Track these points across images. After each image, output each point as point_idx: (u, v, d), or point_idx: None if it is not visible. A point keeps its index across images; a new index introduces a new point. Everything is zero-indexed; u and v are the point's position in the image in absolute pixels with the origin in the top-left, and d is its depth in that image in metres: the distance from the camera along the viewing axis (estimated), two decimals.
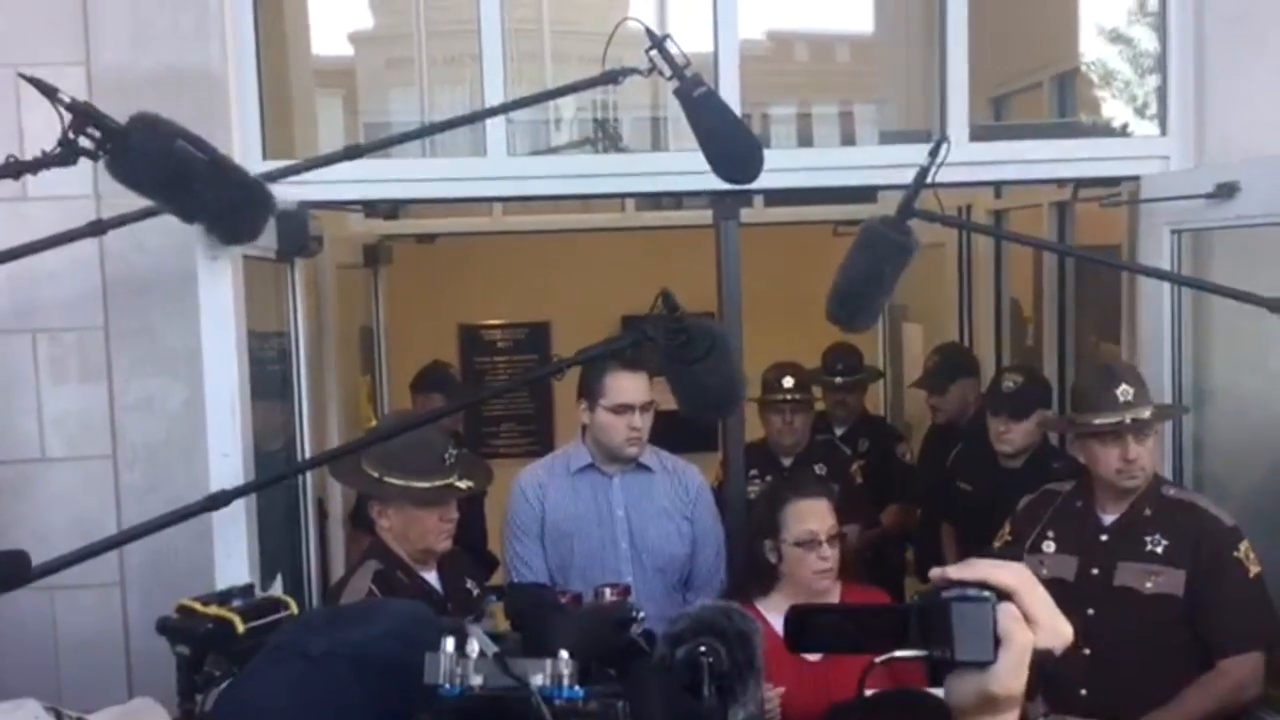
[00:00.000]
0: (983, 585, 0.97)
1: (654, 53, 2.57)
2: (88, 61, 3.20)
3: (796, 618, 1.03)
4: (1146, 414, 3.01)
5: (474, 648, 1.04)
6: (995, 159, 3.59)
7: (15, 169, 2.31)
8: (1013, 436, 4.03)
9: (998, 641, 0.95)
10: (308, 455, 3.44)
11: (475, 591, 3.12)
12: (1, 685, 3.02)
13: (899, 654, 0.99)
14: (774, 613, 2.98)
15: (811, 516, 3.00)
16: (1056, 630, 0.98)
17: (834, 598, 3.05)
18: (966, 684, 0.97)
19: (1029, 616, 0.97)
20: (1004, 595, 0.97)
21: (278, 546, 3.23)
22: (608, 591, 1.92)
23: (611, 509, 3.42)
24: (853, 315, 2.63)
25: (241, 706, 1.13)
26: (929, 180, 2.55)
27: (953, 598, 0.96)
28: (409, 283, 6.05)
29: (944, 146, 2.54)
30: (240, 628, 1.61)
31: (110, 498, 3.23)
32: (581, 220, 6.31)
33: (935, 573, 1.00)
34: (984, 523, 3.64)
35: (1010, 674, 0.95)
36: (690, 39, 2.66)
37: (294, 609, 1.70)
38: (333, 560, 4.04)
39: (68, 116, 2.22)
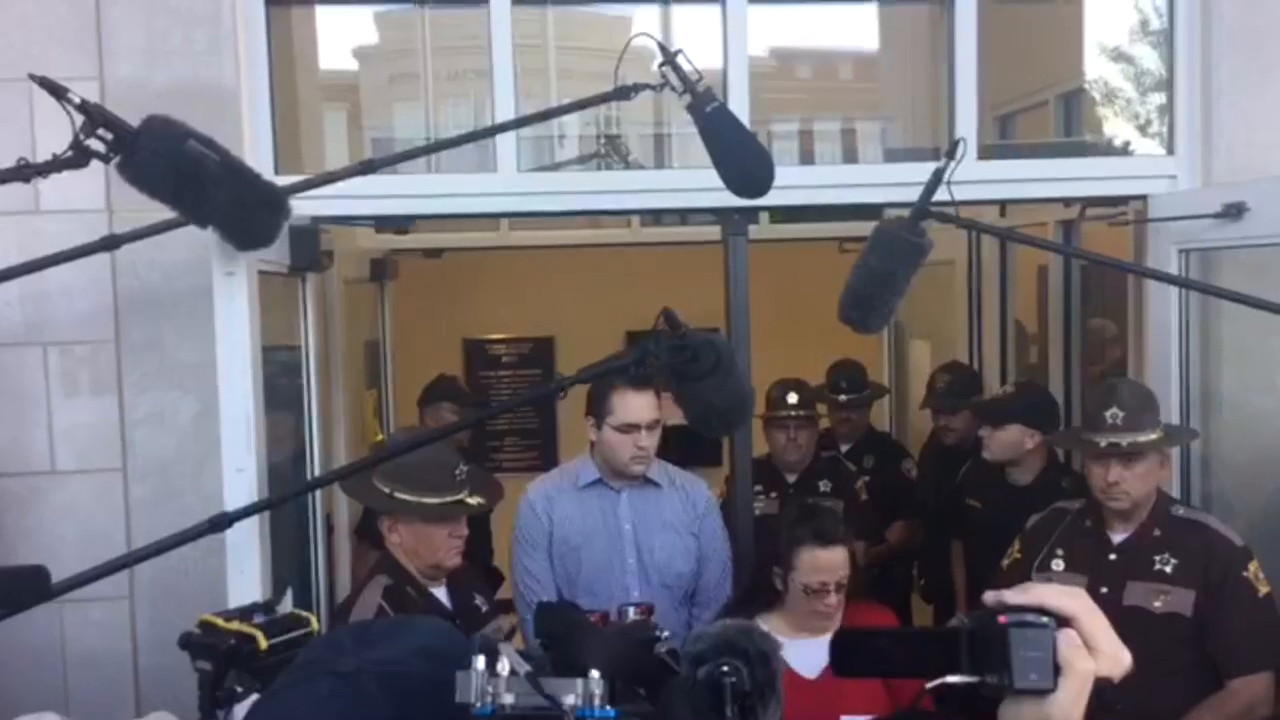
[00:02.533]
0: (1041, 610, 0.95)
1: (666, 68, 2.58)
2: (101, 75, 3.22)
3: (844, 642, 1.01)
4: (1125, 441, 2.99)
5: (505, 666, 1.04)
6: (1003, 178, 3.61)
7: (27, 172, 2.30)
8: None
9: (1058, 669, 0.93)
10: (318, 469, 3.44)
11: (484, 608, 3.12)
12: (10, 699, 3.02)
13: (950, 680, 0.96)
14: (775, 632, 2.97)
15: (826, 569, 2.96)
16: (1117, 658, 0.96)
17: (835, 622, 3.05)
18: (1024, 713, 0.94)
19: (1090, 644, 0.95)
20: (1063, 621, 0.95)
21: (287, 561, 3.23)
22: (631, 611, 1.92)
23: (619, 524, 3.42)
24: (865, 316, 2.62)
25: None
26: (946, 180, 2.54)
27: (1011, 623, 0.94)
28: (415, 297, 6.07)
29: (961, 146, 2.53)
30: (263, 644, 1.60)
31: (120, 511, 3.23)
32: (587, 236, 6.32)
33: (990, 596, 0.98)
34: (993, 540, 3.64)
35: (1071, 703, 0.93)
36: (694, 56, 2.66)
37: (315, 626, 1.70)
38: (338, 574, 4.04)
39: (78, 118, 2.21)
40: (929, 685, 0.98)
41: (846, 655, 1.02)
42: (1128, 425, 2.99)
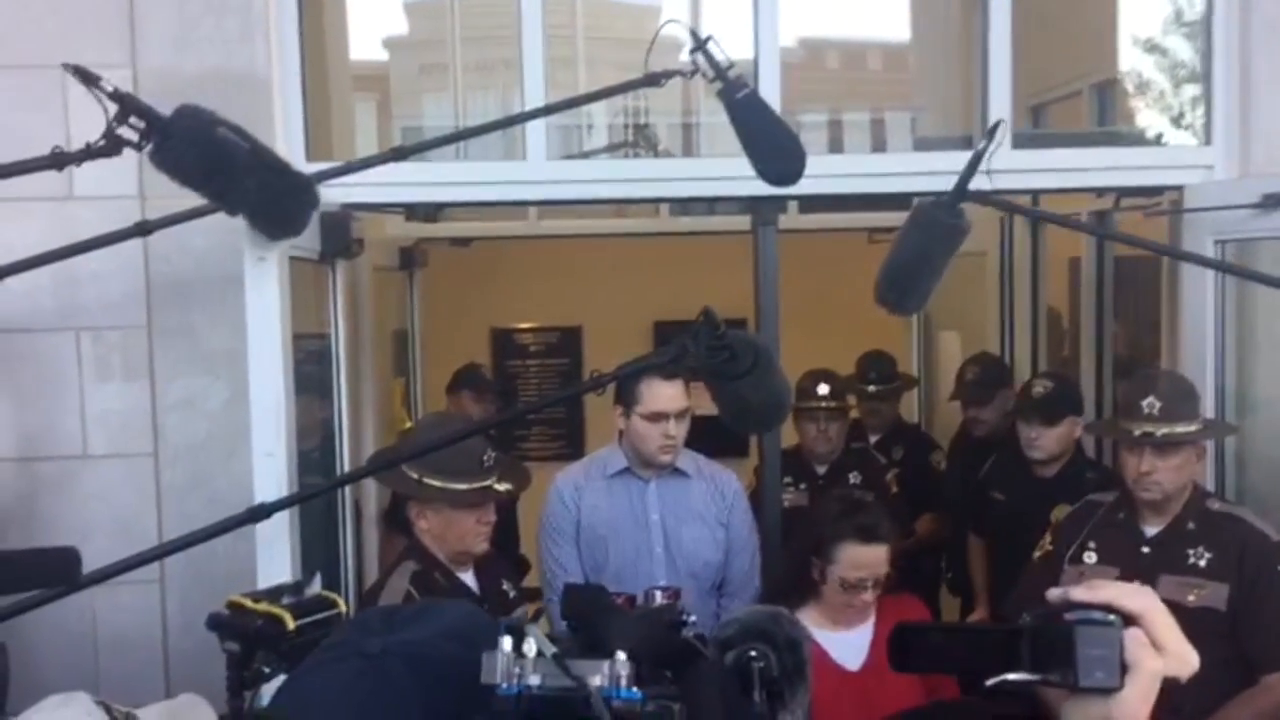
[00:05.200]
0: (1107, 608, 0.93)
1: (697, 54, 2.57)
2: (133, 64, 3.23)
3: (901, 637, 0.98)
4: (1160, 431, 2.95)
5: (531, 647, 1.04)
6: (1037, 167, 3.57)
7: (61, 160, 2.31)
8: (1044, 443, 3.97)
9: (1124, 668, 0.91)
10: (346, 457, 3.45)
11: (512, 594, 3.13)
12: (41, 681, 3.04)
13: (1010, 677, 0.94)
14: (811, 624, 2.95)
15: (866, 566, 2.94)
16: (1185, 658, 0.94)
17: (870, 613, 3.03)
18: (1088, 712, 0.92)
19: (1157, 643, 0.93)
20: (1130, 620, 0.92)
21: (316, 546, 3.25)
22: (658, 594, 1.91)
23: (647, 513, 3.42)
24: (902, 297, 2.58)
25: (298, 704, 1.14)
26: (987, 159, 2.50)
27: (1077, 620, 0.92)
28: (443, 286, 6.07)
29: (1001, 128, 2.50)
30: (291, 625, 1.61)
31: (151, 496, 3.26)
32: (615, 225, 6.32)
33: (1054, 593, 0.95)
34: (1017, 533, 3.61)
35: (1137, 703, 0.91)
36: (723, 46, 2.64)
37: (343, 608, 1.71)
38: (367, 560, 4.06)
39: (111, 107, 2.22)
40: (988, 683, 0.95)
41: (905, 651, 0.99)
42: (1164, 416, 2.96)
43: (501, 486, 2.95)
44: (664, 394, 3.27)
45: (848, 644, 2.96)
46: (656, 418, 3.30)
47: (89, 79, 2.14)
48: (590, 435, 6.97)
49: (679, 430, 3.33)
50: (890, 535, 3.01)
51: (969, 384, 4.74)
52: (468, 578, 3.01)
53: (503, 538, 3.99)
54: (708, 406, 2.54)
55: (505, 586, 3.13)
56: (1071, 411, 3.99)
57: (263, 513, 2.34)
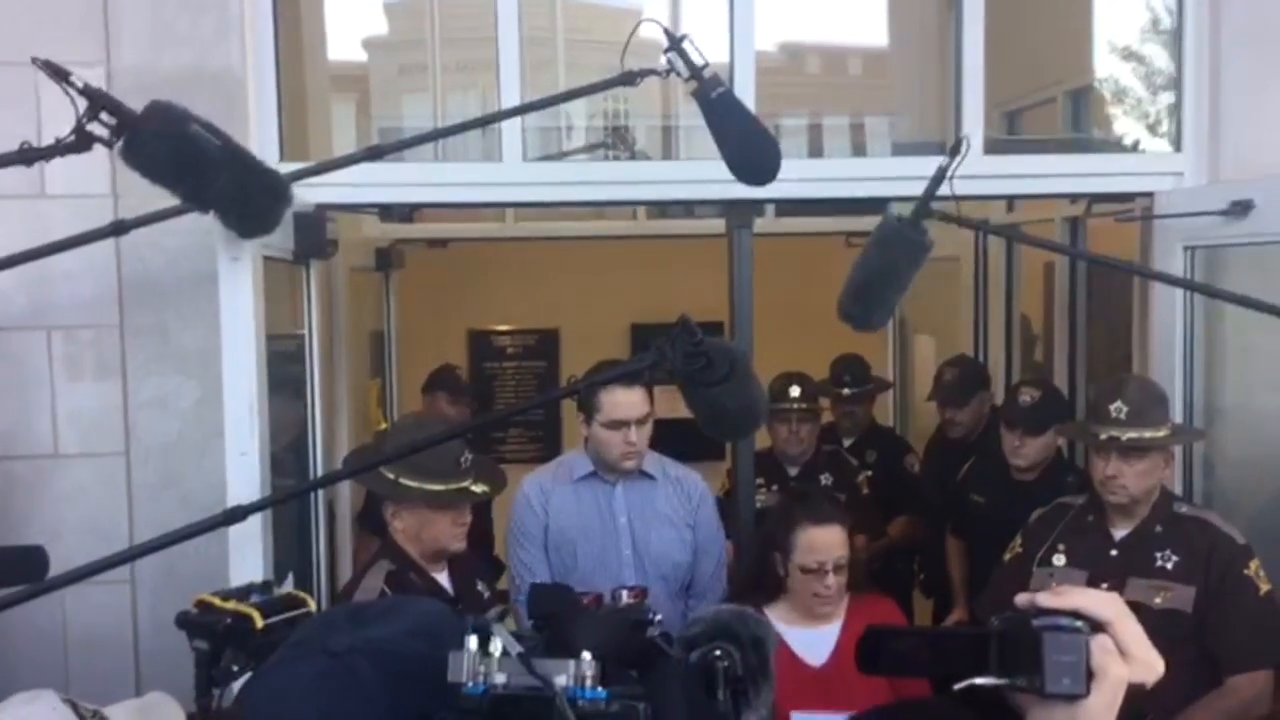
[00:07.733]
0: (1075, 615, 0.93)
1: (672, 54, 2.57)
2: (108, 62, 3.22)
3: (872, 640, 0.99)
4: (1125, 435, 2.98)
5: (497, 647, 1.05)
6: (1010, 173, 3.59)
7: (29, 156, 2.29)
8: (1027, 451, 4.01)
9: (1091, 675, 0.92)
10: (319, 457, 3.44)
11: (486, 594, 3.13)
12: (11, 679, 3.03)
13: (979, 681, 0.94)
14: (779, 621, 2.98)
15: (822, 546, 2.98)
16: (1151, 664, 0.95)
17: (840, 611, 3.06)
18: (1054, 718, 0.93)
19: (1123, 649, 0.93)
20: (1097, 626, 0.93)
21: (289, 547, 3.24)
22: (624, 594, 1.91)
23: (614, 516, 3.43)
24: (866, 313, 2.60)
25: (263, 701, 1.14)
26: (949, 178, 2.53)
27: (1044, 627, 0.92)
28: (420, 287, 6.07)
29: (964, 144, 2.52)
30: (259, 623, 1.61)
31: (122, 495, 3.24)
32: (592, 228, 6.32)
33: (1023, 599, 0.96)
34: (996, 536, 3.63)
35: (1103, 710, 0.92)
36: (703, 50, 2.65)
37: (312, 606, 1.71)
38: (340, 561, 4.05)
39: (82, 103, 2.20)
40: (957, 687, 0.96)
41: (873, 654, 0.99)
42: (1131, 420, 2.98)
43: (478, 488, 2.95)
44: (623, 402, 3.28)
45: (813, 640, 2.99)
46: (616, 425, 3.30)
47: (59, 74, 2.12)
48: (567, 438, 6.98)
49: (640, 437, 3.33)
50: (843, 517, 3.06)
51: (946, 386, 4.77)
52: (442, 578, 3.01)
53: (477, 539, 3.98)
54: (683, 410, 2.54)
55: (480, 587, 3.13)
56: (1058, 421, 4.01)
57: (239, 514, 2.33)
